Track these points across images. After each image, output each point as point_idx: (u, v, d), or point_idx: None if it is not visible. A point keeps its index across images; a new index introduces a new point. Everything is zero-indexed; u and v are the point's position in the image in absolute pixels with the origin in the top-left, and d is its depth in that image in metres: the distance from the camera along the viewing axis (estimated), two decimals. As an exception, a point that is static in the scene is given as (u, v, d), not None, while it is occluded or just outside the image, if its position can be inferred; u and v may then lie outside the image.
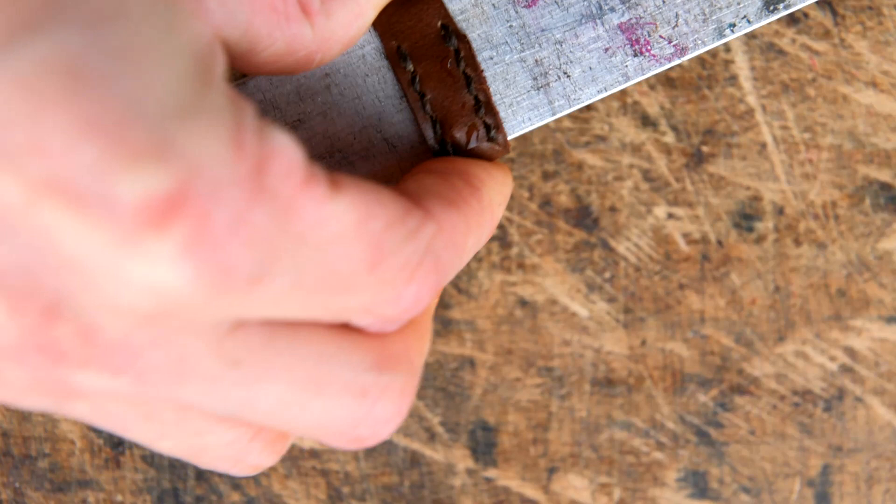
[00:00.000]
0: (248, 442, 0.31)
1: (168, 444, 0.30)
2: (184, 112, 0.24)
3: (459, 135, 0.33)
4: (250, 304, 0.26)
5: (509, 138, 0.34)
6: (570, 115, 0.39)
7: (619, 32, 0.33)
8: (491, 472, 0.40)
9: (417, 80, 0.33)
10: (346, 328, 0.29)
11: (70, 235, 0.24)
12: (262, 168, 0.25)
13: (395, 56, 0.33)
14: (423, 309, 0.30)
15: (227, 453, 0.31)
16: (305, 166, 0.26)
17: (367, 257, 0.28)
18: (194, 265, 0.25)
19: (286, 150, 0.26)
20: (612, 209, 0.39)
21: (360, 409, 0.29)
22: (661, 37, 0.33)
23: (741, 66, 0.38)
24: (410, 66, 0.33)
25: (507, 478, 0.40)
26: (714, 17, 0.33)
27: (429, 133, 0.33)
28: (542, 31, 0.33)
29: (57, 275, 0.25)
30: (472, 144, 0.33)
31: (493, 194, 0.32)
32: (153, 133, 0.24)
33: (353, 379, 0.29)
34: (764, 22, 0.33)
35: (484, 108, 0.33)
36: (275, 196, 0.26)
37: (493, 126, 0.33)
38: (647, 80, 0.38)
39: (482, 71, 0.33)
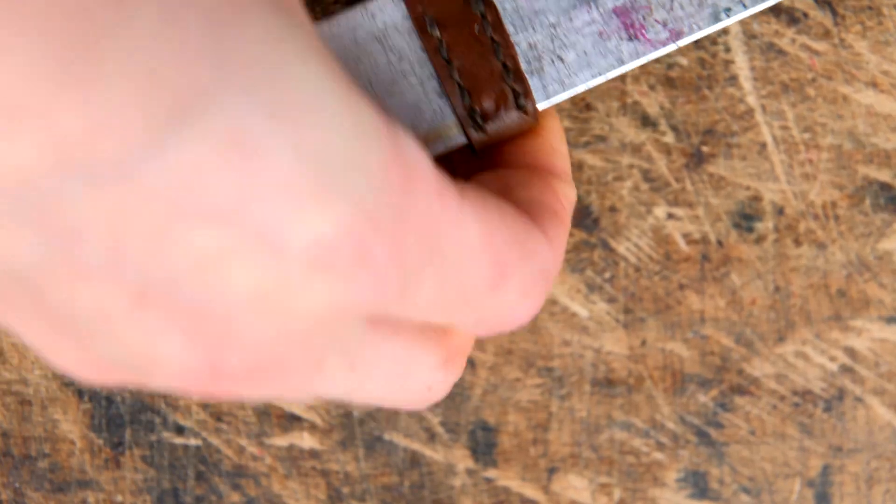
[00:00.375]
0: None
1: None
2: (348, 162, 0.25)
3: (488, 102, 0.33)
4: (384, 312, 0.27)
5: None
6: (569, 115, 0.39)
7: (613, 16, 0.33)
8: (491, 473, 0.40)
9: (444, 46, 0.33)
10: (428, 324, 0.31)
11: (245, 274, 0.25)
12: (409, 188, 0.26)
13: (421, 22, 0.33)
14: None
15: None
16: (438, 178, 0.27)
17: (492, 274, 0.29)
18: (354, 291, 0.26)
19: (423, 165, 0.27)
20: (612, 209, 0.39)
21: (423, 400, 0.31)
22: (655, 21, 0.33)
23: (741, 66, 0.39)
24: (437, 33, 0.33)
25: (507, 478, 0.40)
26: (710, 1, 0.33)
27: (457, 101, 0.33)
28: (536, 13, 0.33)
29: (226, 311, 0.26)
30: (501, 112, 0.33)
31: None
32: (325, 183, 0.25)
33: (426, 377, 0.31)
34: (760, 7, 0.33)
35: (512, 74, 0.33)
36: (420, 213, 0.26)
37: (522, 93, 0.33)
38: (647, 80, 0.39)
39: (509, 36, 0.33)
